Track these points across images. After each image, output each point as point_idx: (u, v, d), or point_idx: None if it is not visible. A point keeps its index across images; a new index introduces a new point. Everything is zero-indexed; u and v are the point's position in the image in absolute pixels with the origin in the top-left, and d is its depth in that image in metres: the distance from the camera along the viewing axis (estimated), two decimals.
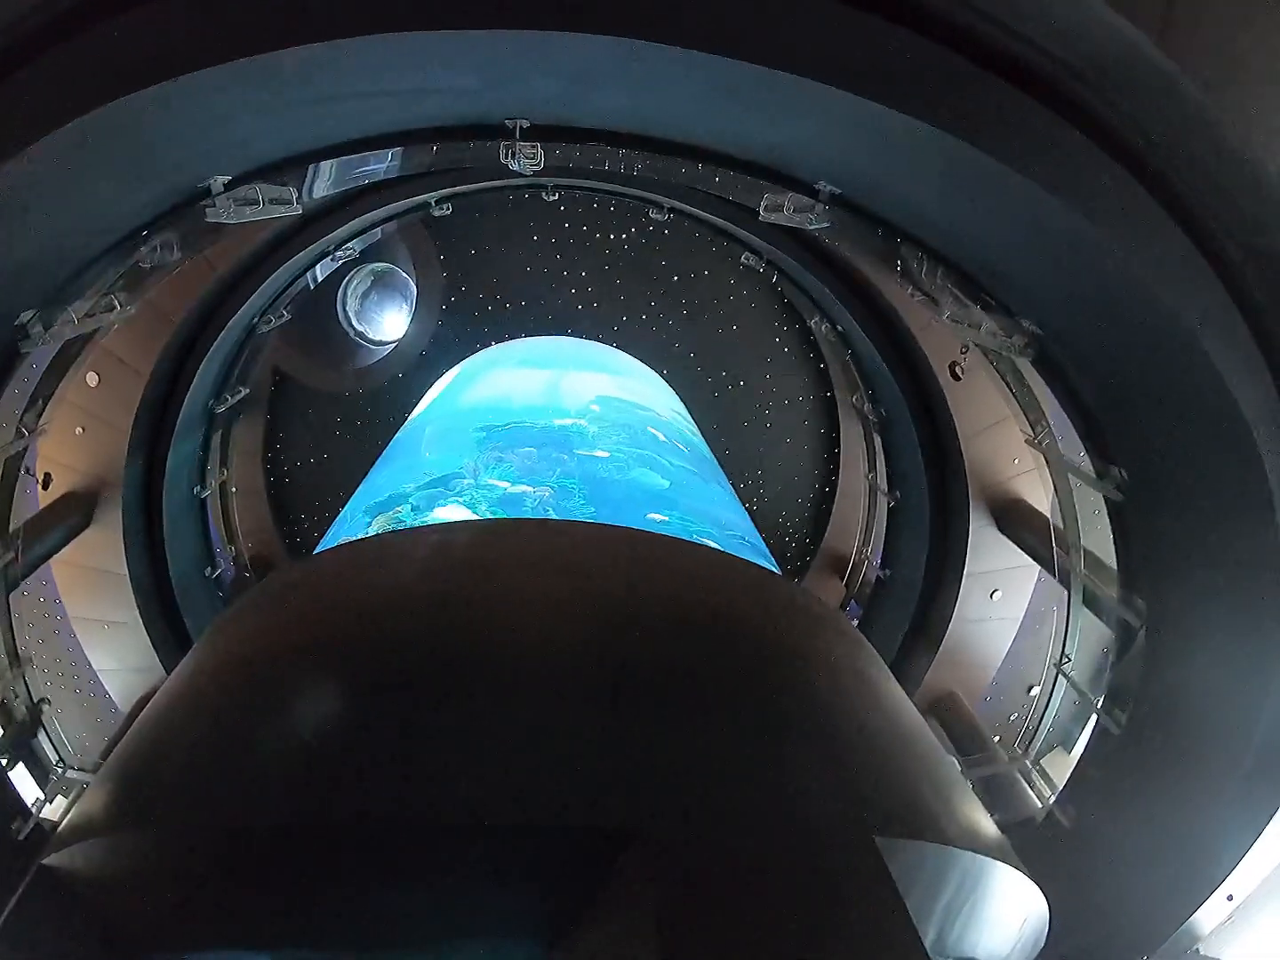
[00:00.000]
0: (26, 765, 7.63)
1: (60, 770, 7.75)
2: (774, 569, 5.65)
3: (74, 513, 9.43)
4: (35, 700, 7.79)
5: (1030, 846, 5.71)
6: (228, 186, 5.78)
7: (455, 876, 2.46)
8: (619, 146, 5.99)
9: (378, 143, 5.94)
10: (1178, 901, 5.69)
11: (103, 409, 9.40)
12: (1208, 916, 5.67)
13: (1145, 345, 5.06)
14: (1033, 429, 7.63)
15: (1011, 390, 7.65)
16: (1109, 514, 6.49)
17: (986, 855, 2.96)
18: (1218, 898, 5.57)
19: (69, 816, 3.11)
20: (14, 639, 7.55)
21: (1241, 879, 5.49)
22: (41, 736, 7.80)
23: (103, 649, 10.07)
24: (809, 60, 4.38)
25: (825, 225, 6.25)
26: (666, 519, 5.64)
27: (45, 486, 9.34)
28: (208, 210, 5.83)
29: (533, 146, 5.90)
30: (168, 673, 9.45)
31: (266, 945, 2.68)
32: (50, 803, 7.29)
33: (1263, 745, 5.26)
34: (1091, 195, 4.61)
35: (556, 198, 10.94)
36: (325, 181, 6.29)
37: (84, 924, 2.73)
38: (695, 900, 2.22)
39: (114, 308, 6.49)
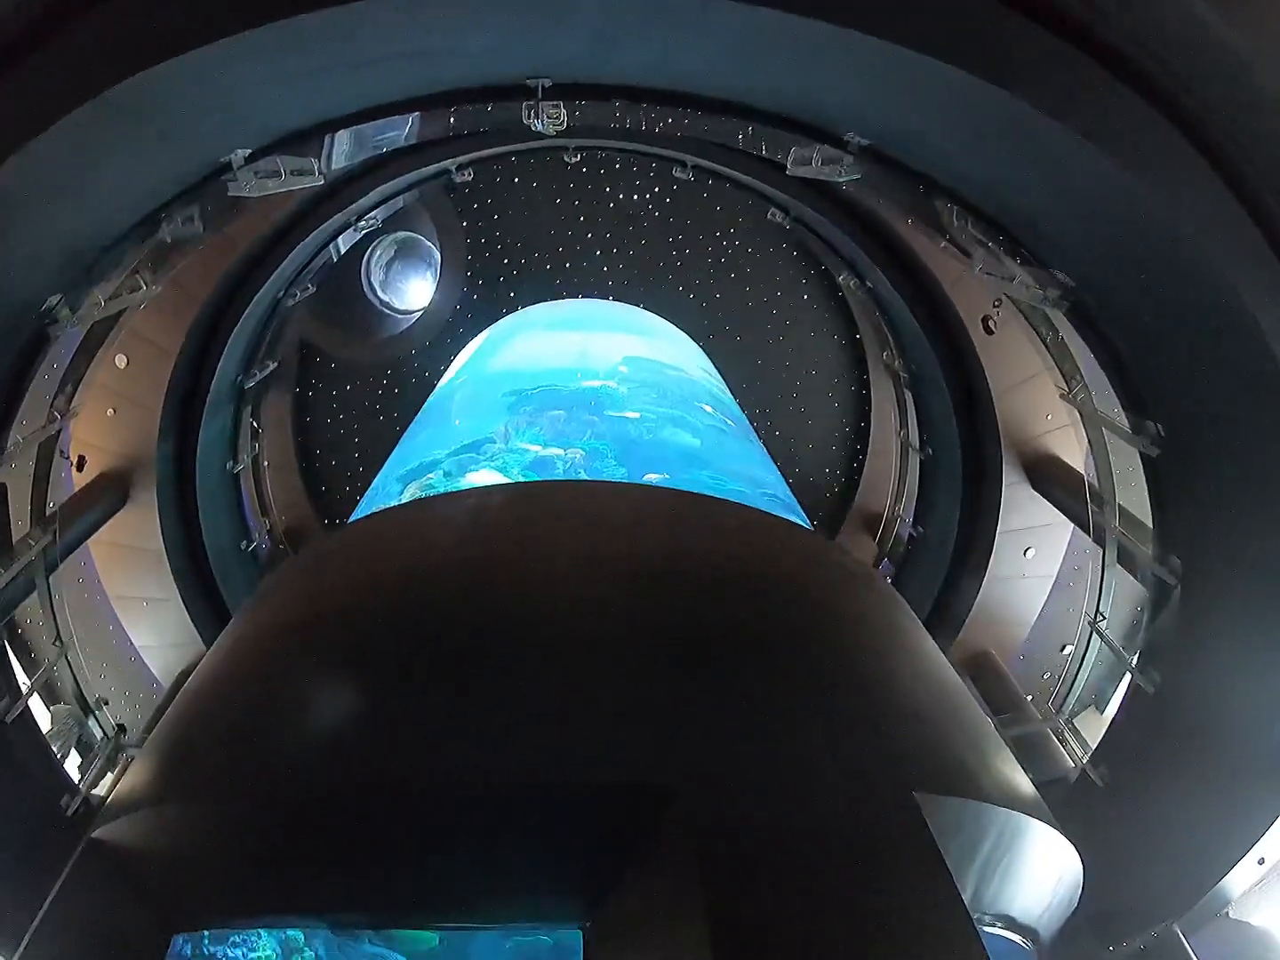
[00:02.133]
0: (76, 747, 7.81)
1: (107, 746, 7.91)
2: (807, 526, 5.62)
3: (109, 493, 9.53)
4: (89, 699, 7.97)
5: (1062, 807, 5.71)
6: (249, 159, 5.77)
7: (499, 839, 2.48)
8: (642, 103, 5.90)
9: (398, 108, 5.90)
10: (1208, 865, 5.68)
11: (133, 389, 9.48)
12: (1238, 880, 5.65)
13: (1182, 297, 4.95)
14: (1067, 383, 7.51)
15: (1045, 344, 7.54)
16: (1144, 470, 6.39)
17: (1023, 813, 2.95)
18: (1248, 862, 5.54)
19: (116, 790, 3.17)
20: (55, 618, 7.68)
21: (1273, 843, 5.46)
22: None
23: (143, 626, 10.23)
24: (839, 5, 4.28)
25: (854, 177, 6.15)
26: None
27: (80, 469, 9.45)
28: (230, 184, 5.82)
29: (555, 105, 5.84)
30: (207, 647, 9.61)
31: (312, 913, 2.72)
32: (97, 780, 7.46)
33: None
34: (1129, 144, 4.50)
35: (579, 159, 10.83)
36: (346, 150, 6.26)
37: (132, 895, 2.78)
38: (737, 858, 2.23)
39: (139, 288, 6.52)
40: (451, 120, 6.03)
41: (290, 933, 3.16)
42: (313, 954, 3.19)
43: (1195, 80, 4.43)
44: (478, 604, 3.11)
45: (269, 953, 3.18)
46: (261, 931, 3.13)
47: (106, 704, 8.35)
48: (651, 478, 5.51)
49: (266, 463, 12.52)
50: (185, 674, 9.71)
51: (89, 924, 2.78)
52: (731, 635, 3.04)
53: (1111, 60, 4.48)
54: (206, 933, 2.93)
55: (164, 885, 2.80)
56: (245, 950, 3.12)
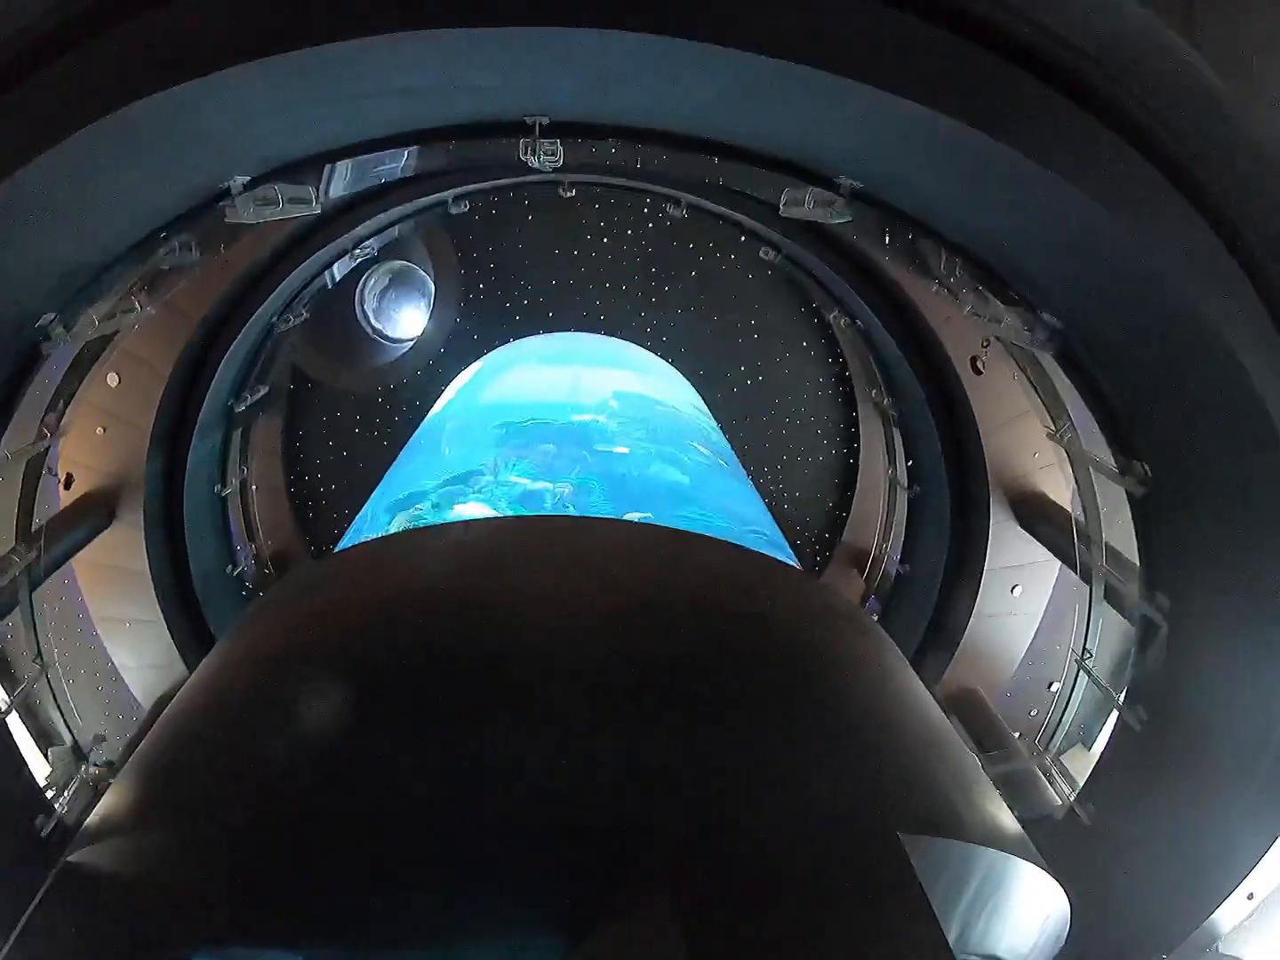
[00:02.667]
0: (49, 762, 7.71)
1: (83, 768, 7.81)
2: (794, 564, 5.64)
3: (96, 512, 9.48)
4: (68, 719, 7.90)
5: (1050, 844, 5.68)
6: (247, 186, 5.81)
7: (479, 876, 2.46)
8: (638, 142, 5.98)
9: (398, 141, 5.95)
10: (1197, 899, 5.65)
11: (123, 409, 9.45)
12: (1228, 915, 5.62)
13: (1168, 339, 5.01)
14: (1054, 423, 7.58)
15: (1033, 384, 7.61)
16: (1131, 509, 6.44)
17: (1010, 853, 2.94)
18: (1238, 896, 5.52)
19: (92, 814, 3.14)
20: (37, 637, 7.62)
21: (1262, 877, 5.44)
22: (65, 734, 7.88)
23: (125, 647, 10.14)
24: (831, 54, 4.36)
25: (846, 220, 6.22)
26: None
27: (67, 486, 9.41)
28: (227, 210, 5.86)
29: (552, 143, 5.90)
30: (189, 671, 9.52)
31: (289, 944, 2.69)
32: (73, 800, 7.35)
33: None
34: (1114, 188, 4.57)
35: (574, 194, 10.93)
36: (344, 180, 6.31)
37: (107, 922, 2.75)
38: (720, 898, 2.22)
39: (134, 309, 6.54)
40: (450, 155, 6.08)
41: None
42: None
43: (1179, 123, 4.50)
44: (462, 639, 3.10)
45: None
46: None
47: (100, 739, 8.27)
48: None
49: (255, 487, 12.49)
50: (166, 697, 9.63)
51: (62, 951, 2.75)
52: (715, 674, 3.04)
53: (1096, 105, 4.56)
54: None
55: (139, 912, 2.77)
56: None
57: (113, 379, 9.10)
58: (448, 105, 5.63)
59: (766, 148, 5.97)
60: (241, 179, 5.74)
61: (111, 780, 5.19)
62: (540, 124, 5.76)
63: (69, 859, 2.83)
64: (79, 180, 4.70)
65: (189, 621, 10.38)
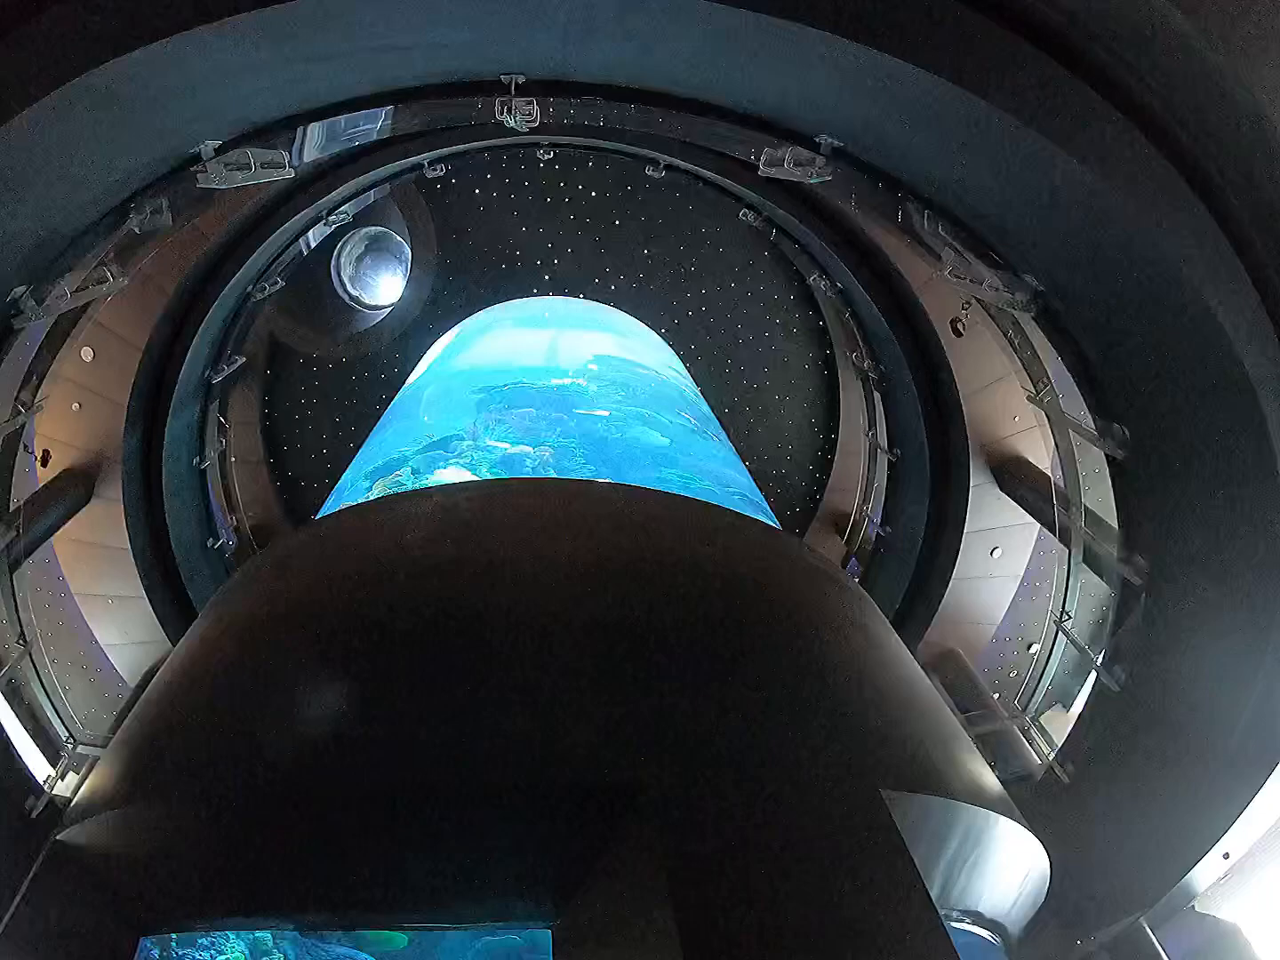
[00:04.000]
0: (37, 743, 7.68)
1: (71, 747, 7.79)
2: (775, 525, 5.65)
3: (74, 489, 9.39)
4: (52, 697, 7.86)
5: (1029, 803, 5.77)
6: (218, 151, 5.70)
7: (465, 838, 2.47)
8: (616, 100, 5.90)
9: (371, 101, 5.86)
10: (1174, 859, 5.76)
11: (99, 383, 9.34)
12: (1204, 874, 5.74)
13: (1150, 303, 5.02)
14: (1034, 386, 7.60)
15: (1013, 347, 7.61)
16: (1110, 472, 6.48)
17: (990, 809, 2.98)
18: (1214, 856, 5.63)
19: (81, 792, 3.13)
20: (19, 617, 7.56)
21: (1237, 837, 5.55)
22: (51, 713, 7.84)
23: (107, 624, 10.09)
24: (810, 9, 4.30)
25: (826, 179, 6.17)
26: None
27: (44, 463, 9.30)
28: (199, 176, 5.76)
29: (528, 102, 5.82)
30: (173, 645, 9.50)
31: (280, 914, 2.70)
32: (62, 779, 7.34)
33: (1258, 705, 5.30)
34: (1099, 150, 4.55)
35: (551, 156, 10.81)
36: (317, 143, 6.20)
37: (98, 897, 2.75)
38: (704, 856, 2.24)
39: (106, 280, 6.42)
40: (424, 115, 5.99)
41: (258, 934, 3.14)
42: (281, 955, 3.17)
43: (1168, 90, 4.48)
44: (445, 604, 3.09)
45: (237, 954, 3.16)
46: (229, 933, 3.10)
47: (86, 717, 8.24)
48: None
49: (234, 459, 12.39)
50: (151, 673, 9.61)
51: (55, 927, 2.75)
52: (699, 634, 3.05)
53: (1084, 69, 4.53)
54: (174, 935, 2.90)
55: (130, 888, 2.77)
56: (213, 953, 3.09)
57: (87, 353, 8.98)
58: (421, 63, 5.53)
59: (746, 106, 5.91)
60: (213, 143, 5.63)
61: (99, 758, 5.18)
62: (516, 82, 5.68)
63: (59, 837, 2.83)
64: (46, 148, 4.60)
65: (171, 596, 10.33)
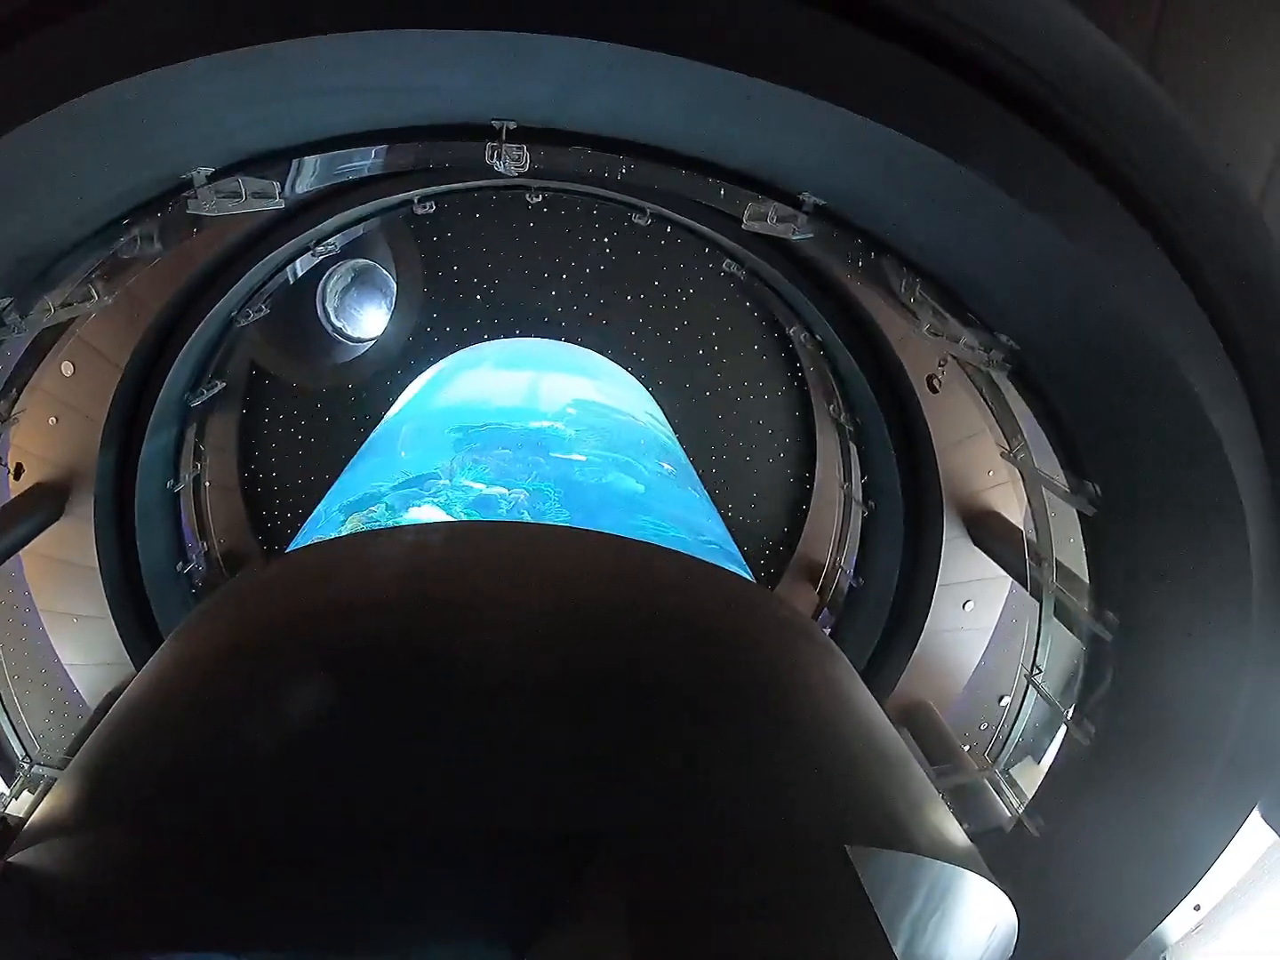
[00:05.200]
0: None
1: (27, 766, 7.64)
2: (748, 576, 5.67)
3: (45, 504, 9.30)
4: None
5: (999, 856, 5.75)
6: (210, 178, 5.72)
7: (426, 880, 2.45)
8: (604, 151, 5.98)
9: (365, 139, 5.90)
10: (1145, 911, 5.76)
11: (77, 399, 9.28)
12: (1175, 926, 5.74)
13: (1122, 364, 5.11)
14: (1008, 442, 7.69)
15: (988, 404, 7.71)
16: (1082, 528, 6.55)
17: (956, 865, 2.97)
18: (1185, 907, 5.63)
19: (36, 814, 3.08)
20: None
21: (1208, 889, 5.56)
22: (9, 730, 7.70)
23: (71, 643, 9.94)
24: (797, 72, 4.40)
25: (808, 236, 6.27)
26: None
27: (17, 476, 9.22)
28: (189, 202, 5.78)
29: (519, 148, 5.89)
30: (137, 669, 9.35)
31: (233, 947, 2.65)
32: (16, 799, 7.19)
33: (1230, 758, 5.33)
34: (1073, 215, 4.65)
35: (540, 200, 10.94)
36: (309, 176, 6.25)
37: (50, 923, 2.69)
38: (667, 908, 2.22)
39: (91, 297, 6.42)
40: (416, 155, 6.06)
41: None
42: None
43: (1140, 155, 4.59)
44: (412, 644, 3.08)
45: None
46: None
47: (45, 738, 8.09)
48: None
49: (208, 483, 12.32)
50: (112, 696, 9.45)
51: (3, 952, 2.69)
52: (667, 684, 3.05)
53: (1060, 134, 4.64)
54: None
55: (80, 916, 2.72)
56: None
57: (67, 368, 8.93)
58: (415, 106, 5.60)
59: (732, 162, 6.00)
60: (205, 170, 5.65)
61: (56, 780, 5.08)
62: (507, 128, 5.75)
63: (11, 859, 2.78)
64: (38, 166, 4.61)
65: (137, 619, 10.21)
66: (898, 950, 2.40)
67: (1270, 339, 4.76)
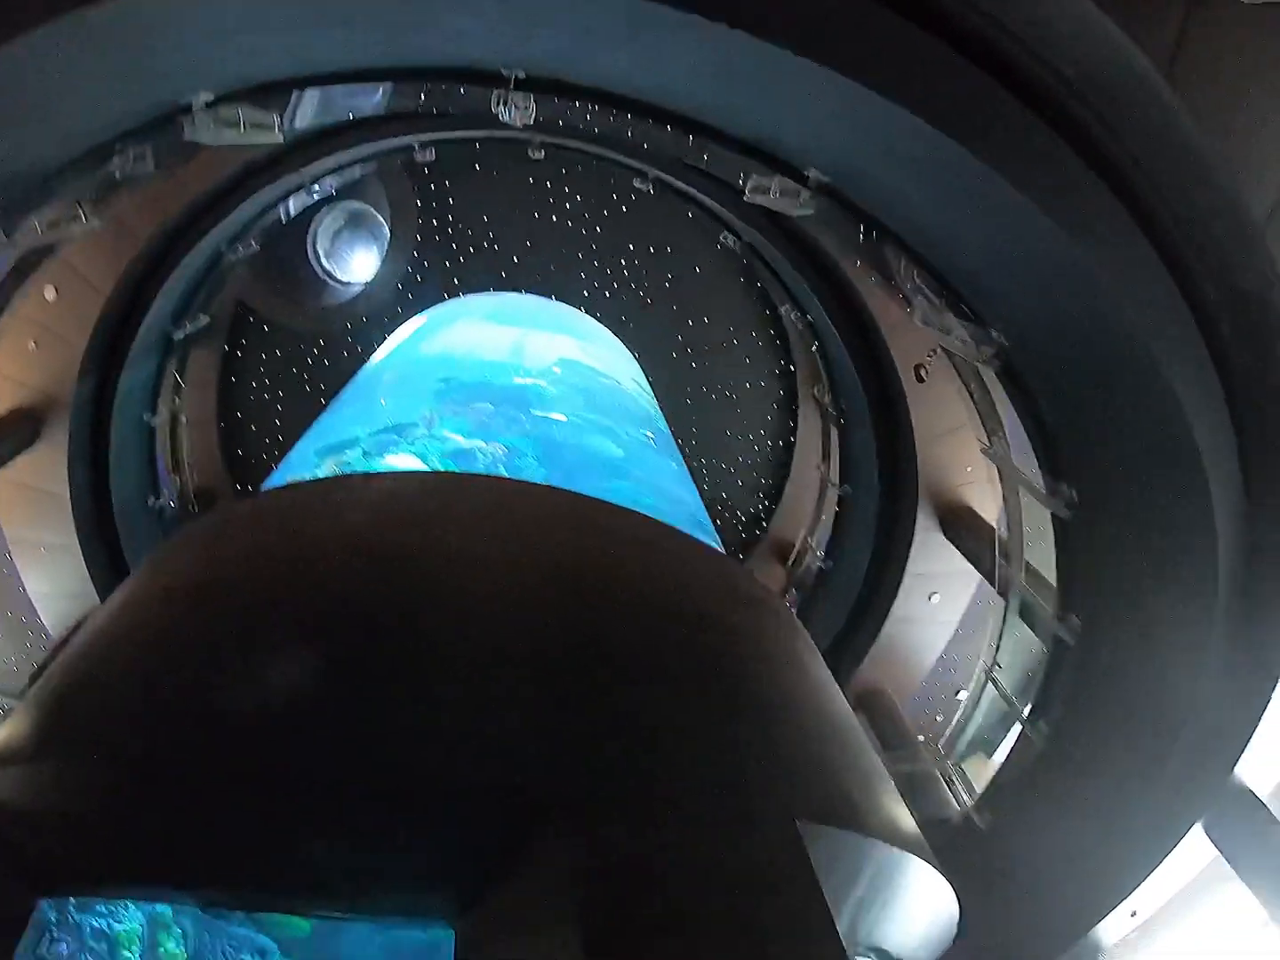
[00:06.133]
0: None
1: None
2: (717, 546, 5.66)
3: (20, 429, 9.19)
4: None
5: (944, 847, 5.83)
6: (210, 104, 5.60)
7: (375, 830, 2.44)
8: (612, 108, 5.90)
9: (371, 75, 5.80)
10: (1083, 913, 5.85)
11: (58, 324, 9.14)
12: (1111, 930, 5.84)
13: (1110, 370, 5.13)
14: (989, 439, 7.72)
15: (973, 398, 7.73)
16: (1054, 530, 6.59)
17: (904, 849, 3.00)
18: (1121, 913, 5.73)
19: None
20: None
21: (1146, 897, 5.66)
22: None
23: (38, 572, 9.86)
24: (818, 44, 4.34)
25: (809, 212, 6.23)
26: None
27: None
28: (186, 128, 5.65)
29: (525, 98, 5.81)
30: (101, 601, 9.27)
31: (181, 889, 2.64)
32: None
33: (1176, 771, 5.42)
34: (1080, 219, 4.64)
35: (542, 155, 10.80)
36: (311, 111, 6.13)
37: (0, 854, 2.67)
38: (612, 873, 2.23)
39: (79, 220, 6.29)
40: (421, 97, 5.96)
41: (159, 907, 3.07)
42: (180, 931, 3.11)
43: (1151, 164, 4.59)
44: (377, 593, 3.06)
45: (134, 925, 3.09)
46: (129, 903, 3.03)
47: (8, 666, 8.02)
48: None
49: (185, 419, 12.18)
50: (75, 628, 9.38)
51: None
52: (626, 650, 3.04)
53: (1074, 134, 4.63)
54: (72, 900, 2.83)
55: (32, 847, 2.70)
56: (110, 921, 3.02)
57: (50, 292, 8.77)
58: (425, 45, 5.49)
59: (740, 129, 5.94)
60: (205, 96, 5.52)
61: (12, 709, 5.03)
62: (516, 77, 5.66)
63: None
64: (37, 78, 4.49)
65: (106, 551, 10.12)
66: (841, 928, 2.42)
67: (1260, 360, 4.79)
